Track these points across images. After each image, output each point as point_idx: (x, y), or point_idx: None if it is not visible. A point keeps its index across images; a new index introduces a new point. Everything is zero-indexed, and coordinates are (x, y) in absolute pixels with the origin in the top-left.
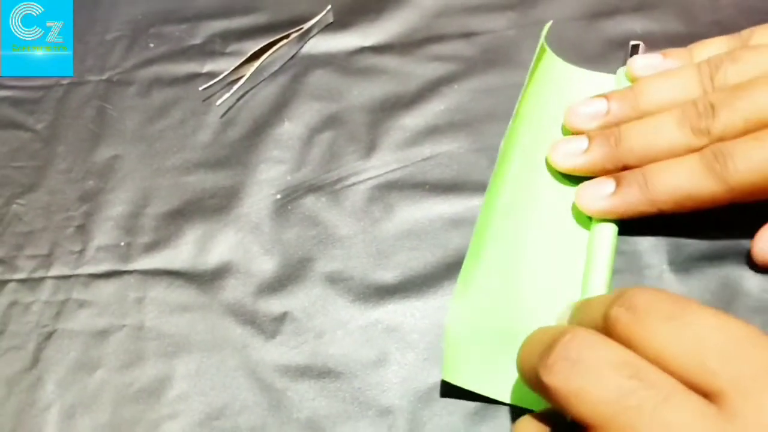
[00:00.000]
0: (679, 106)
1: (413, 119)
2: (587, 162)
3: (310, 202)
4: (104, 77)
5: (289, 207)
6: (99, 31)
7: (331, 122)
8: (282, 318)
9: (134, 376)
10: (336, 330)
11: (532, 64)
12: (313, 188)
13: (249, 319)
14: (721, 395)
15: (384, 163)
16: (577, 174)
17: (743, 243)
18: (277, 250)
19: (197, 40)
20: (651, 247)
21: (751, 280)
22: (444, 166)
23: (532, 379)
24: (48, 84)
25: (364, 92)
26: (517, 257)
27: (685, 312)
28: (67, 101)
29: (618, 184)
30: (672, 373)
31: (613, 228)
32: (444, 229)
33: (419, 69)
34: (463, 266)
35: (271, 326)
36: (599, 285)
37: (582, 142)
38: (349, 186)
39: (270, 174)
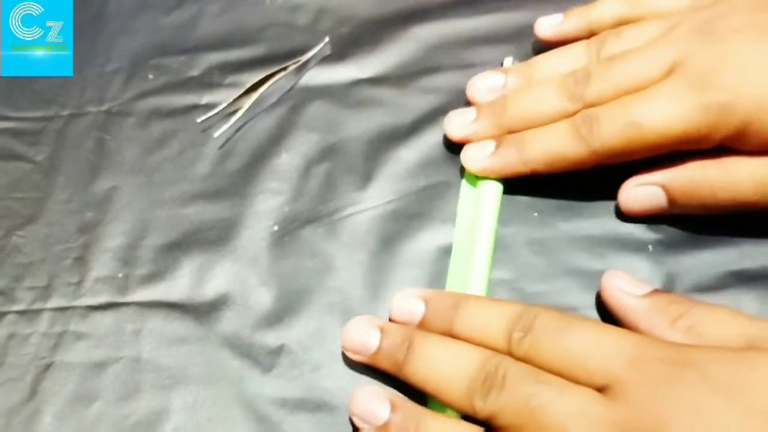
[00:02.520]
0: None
1: (410, 150)
2: (476, 131)
3: (307, 233)
4: (103, 108)
5: (287, 238)
6: (99, 62)
7: (328, 153)
8: (279, 350)
9: (131, 409)
10: (333, 363)
11: None
12: (311, 219)
13: (246, 351)
14: (607, 387)
15: (381, 194)
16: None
17: (741, 271)
18: (274, 282)
19: (196, 72)
20: None
21: None
22: (440, 197)
23: (461, 406)
24: (48, 115)
25: (361, 124)
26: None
27: (571, 324)
28: (67, 132)
29: (497, 145)
30: (566, 378)
31: (496, 193)
32: (441, 259)
33: (415, 101)
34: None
35: (267, 359)
36: (481, 257)
37: (471, 112)
38: (346, 217)
39: (267, 205)
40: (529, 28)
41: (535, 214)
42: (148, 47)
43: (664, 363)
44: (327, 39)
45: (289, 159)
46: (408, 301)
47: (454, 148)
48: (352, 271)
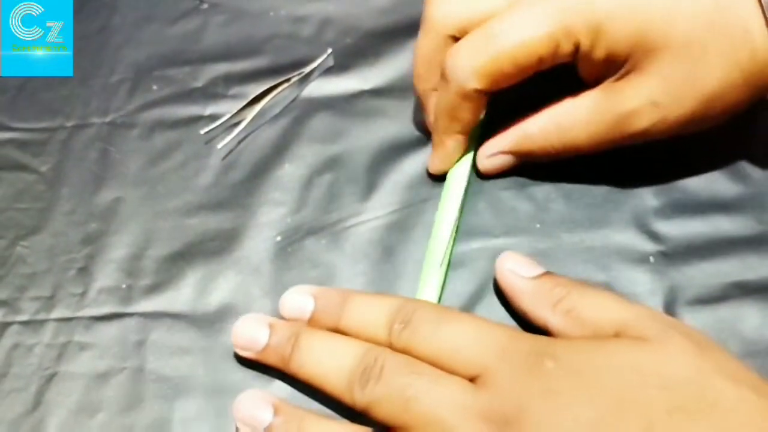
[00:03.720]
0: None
1: (411, 161)
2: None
3: (310, 244)
4: (108, 120)
5: (289, 249)
6: (103, 73)
7: (331, 165)
8: None
9: (134, 419)
10: None
11: None
12: (313, 230)
13: (249, 362)
14: (477, 376)
15: (383, 205)
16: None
17: (743, 282)
18: (277, 292)
19: (200, 83)
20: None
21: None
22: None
23: (342, 397)
24: (53, 126)
25: (364, 135)
26: None
27: (447, 317)
28: (72, 143)
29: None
30: (442, 368)
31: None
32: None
33: (418, 112)
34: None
35: (271, 369)
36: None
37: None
38: (349, 228)
39: (271, 216)
40: None
41: (538, 225)
42: (152, 58)
43: (527, 354)
44: (330, 50)
45: (292, 170)
46: (298, 297)
47: None
48: (355, 281)
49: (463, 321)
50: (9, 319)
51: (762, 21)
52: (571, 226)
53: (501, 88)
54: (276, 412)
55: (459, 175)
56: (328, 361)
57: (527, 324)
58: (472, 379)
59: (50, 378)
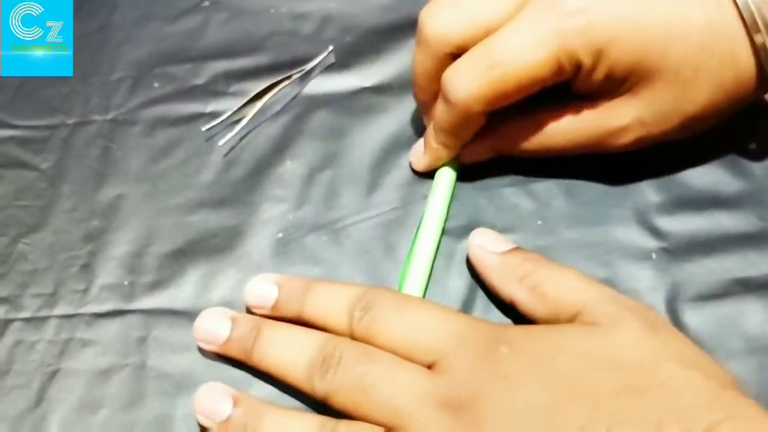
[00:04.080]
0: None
1: None
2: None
3: (311, 241)
4: (109, 117)
5: (291, 246)
6: (104, 71)
7: (332, 162)
8: None
9: (136, 416)
10: None
11: None
12: (315, 227)
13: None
14: (435, 363)
15: (385, 202)
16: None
17: (746, 279)
18: None
19: (201, 80)
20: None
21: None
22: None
23: (303, 388)
24: (54, 123)
25: (365, 132)
26: None
27: (407, 305)
28: (73, 140)
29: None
30: (401, 355)
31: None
32: (446, 268)
33: (418, 110)
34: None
35: None
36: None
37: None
38: (350, 225)
39: (272, 213)
40: None
41: (540, 222)
42: (153, 56)
43: (483, 340)
44: (331, 48)
45: (293, 167)
46: (262, 286)
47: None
48: (356, 278)
49: (423, 309)
50: (11, 316)
51: (749, 45)
52: (572, 223)
53: (502, 106)
54: (236, 403)
55: (447, 172)
56: (289, 352)
57: (523, 319)
58: (430, 366)
59: (52, 375)
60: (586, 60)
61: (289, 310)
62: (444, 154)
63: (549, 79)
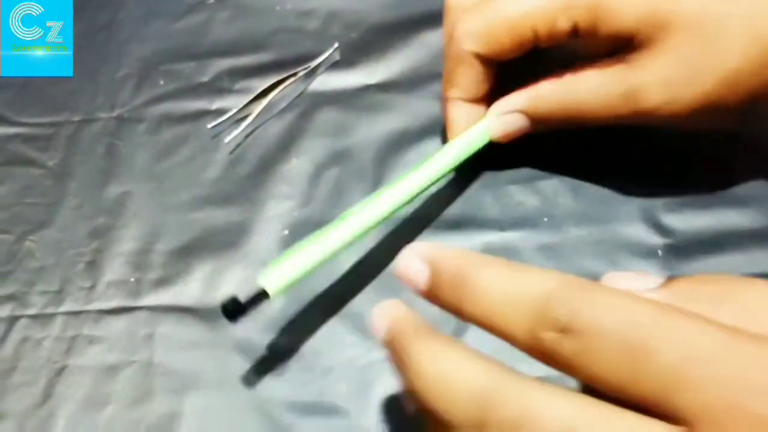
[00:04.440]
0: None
1: (418, 156)
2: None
3: None
4: (114, 114)
5: (297, 243)
6: (110, 68)
7: (337, 159)
8: (290, 354)
9: (143, 413)
10: (343, 367)
11: None
12: (321, 224)
13: (257, 355)
14: (688, 424)
15: None
16: None
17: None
18: None
19: (206, 78)
20: None
21: None
22: (449, 202)
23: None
24: (59, 121)
25: (371, 129)
26: None
27: (650, 337)
28: (79, 138)
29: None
30: (627, 403)
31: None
32: None
33: (424, 106)
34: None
35: (279, 363)
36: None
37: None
38: None
39: (278, 210)
40: None
41: (546, 219)
42: (158, 53)
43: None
44: (336, 45)
45: (299, 164)
46: (410, 263)
47: None
48: (362, 275)
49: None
50: (18, 313)
51: None
52: (578, 220)
53: (499, 58)
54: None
55: (449, 146)
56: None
57: None
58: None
59: (59, 371)
60: (582, 17)
61: (445, 303)
62: (451, 113)
63: (543, 31)
